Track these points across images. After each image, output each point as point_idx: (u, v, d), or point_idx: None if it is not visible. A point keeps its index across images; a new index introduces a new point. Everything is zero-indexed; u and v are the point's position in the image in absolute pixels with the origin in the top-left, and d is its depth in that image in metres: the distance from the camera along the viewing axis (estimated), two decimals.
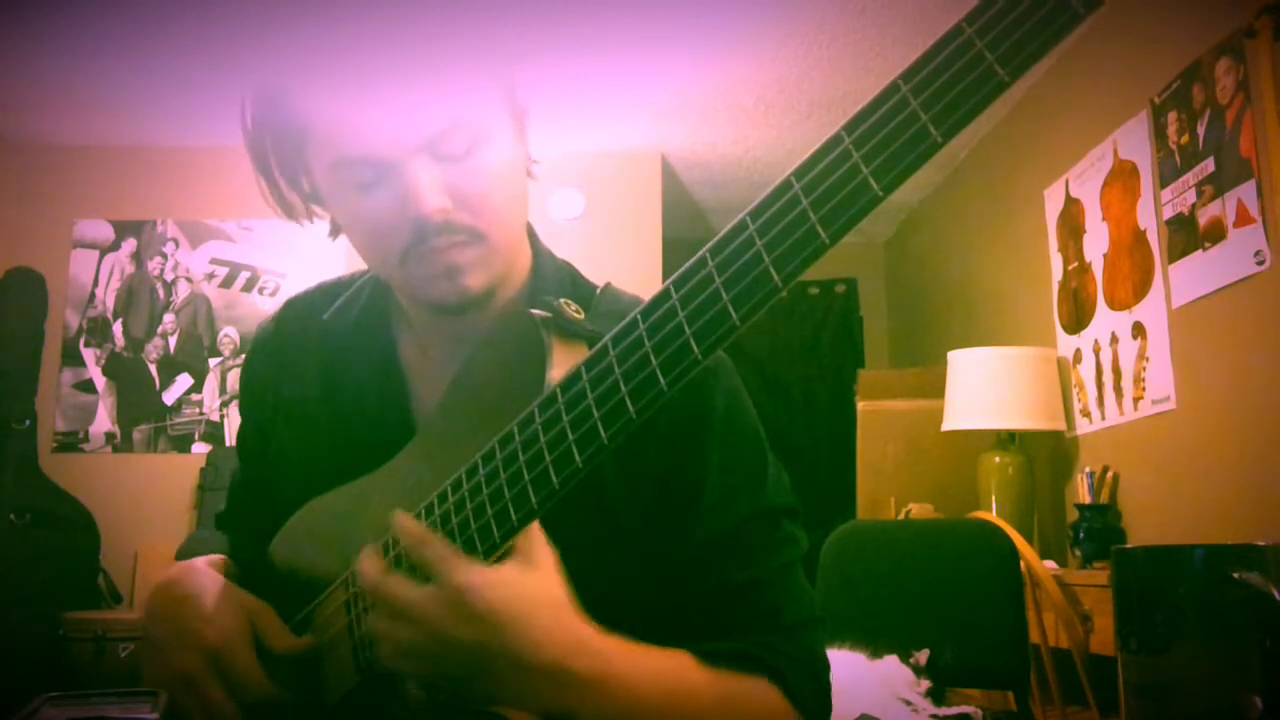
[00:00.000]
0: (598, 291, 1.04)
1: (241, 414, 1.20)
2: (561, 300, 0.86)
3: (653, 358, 0.73)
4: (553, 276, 1.05)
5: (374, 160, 0.91)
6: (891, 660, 2.04)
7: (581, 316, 0.86)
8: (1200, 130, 2.85)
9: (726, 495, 0.96)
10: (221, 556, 1.07)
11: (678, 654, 0.87)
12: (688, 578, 0.80)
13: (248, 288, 4.76)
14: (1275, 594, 0.88)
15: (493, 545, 0.82)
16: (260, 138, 0.98)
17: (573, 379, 0.78)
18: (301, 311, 1.16)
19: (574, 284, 1.07)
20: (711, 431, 0.96)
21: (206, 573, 1.01)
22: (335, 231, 1.04)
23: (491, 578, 0.79)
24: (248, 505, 1.18)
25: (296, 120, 0.94)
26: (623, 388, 0.75)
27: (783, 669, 0.93)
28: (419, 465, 0.93)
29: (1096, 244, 3.45)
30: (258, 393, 1.16)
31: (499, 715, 0.87)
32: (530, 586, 0.79)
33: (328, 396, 1.08)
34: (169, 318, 4.74)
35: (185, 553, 1.07)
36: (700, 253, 0.73)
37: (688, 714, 0.87)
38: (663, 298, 0.74)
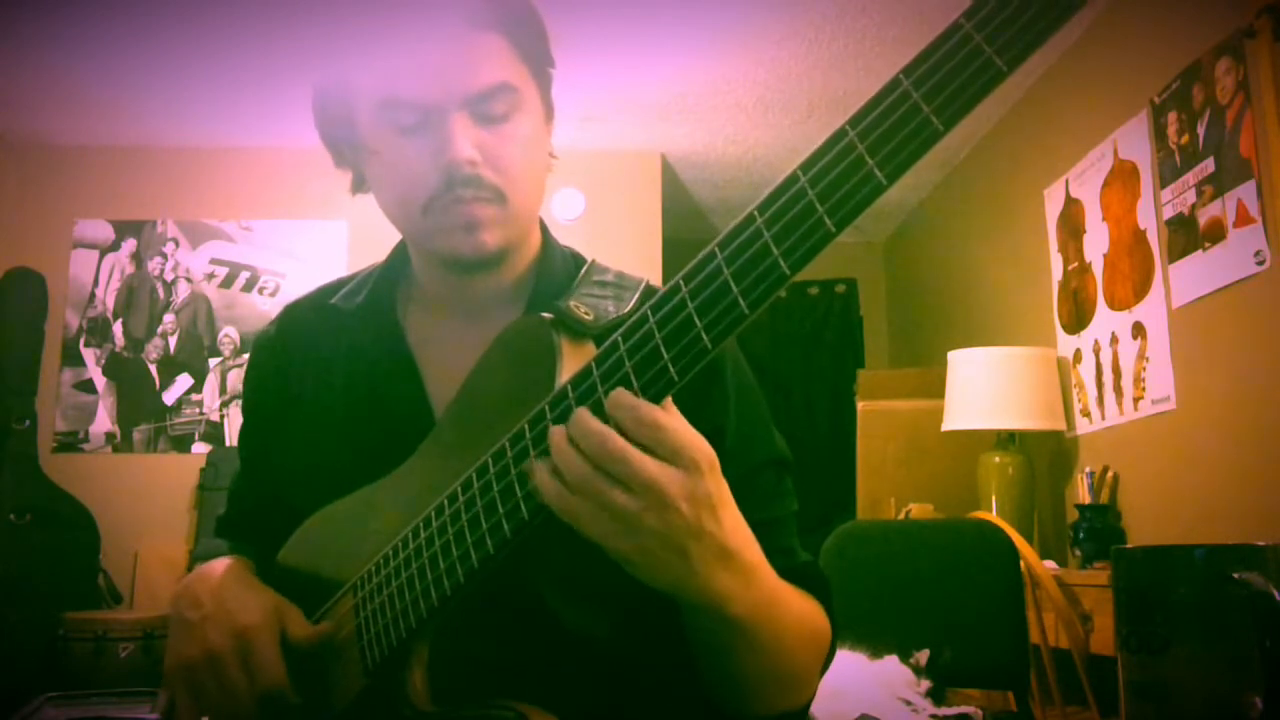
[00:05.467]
0: (585, 266, 1.07)
1: (245, 416, 1.19)
2: (570, 302, 0.87)
3: (664, 350, 0.74)
4: (558, 256, 1.09)
5: (419, 104, 0.96)
6: (891, 660, 2.04)
7: (591, 318, 0.86)
8: (1200, 130, 2.85)
9: (744, 441, 1.01)
10: (245, 559, 1.08)
11: None
12: None
13: (248, 288, 4.76)
14: (1275, 594, 0.88)
15: (503, 541, 0.82)
16: (321, 80, 1.04)
17: (584, 375, 0.79)
18: (304, 309, 1.17)
19: (575, 264, 1.10)
20: (725, 382, 1.01)
21: (237, 568, 1.03)
22: (358, 185, 1.08)
23: (715, 461, 0.79)
24: (250, 509, 1.18)
25: (350, 68, 1.00)
26: (634, 381, 0.76)
27: (828, 590, 1.01)
28: (430, 470, 0.93)
29: (1096, 244, 3.45)
30: (262, 394, 1.16)
31: (518, 711, 0.87)
32: (720, 472, 0.80)
33: (337, 382, 1.09)
34: (169, 318, 4.74)
35: (199, 560, 1.09)
36: (709, 247, 0.74)
37: (795, 613, 0.92)
38: (673, 291, 0.75)
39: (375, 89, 0.98)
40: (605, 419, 0.76)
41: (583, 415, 0.77)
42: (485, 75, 0.97)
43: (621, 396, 0.76)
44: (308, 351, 1.12)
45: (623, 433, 0.76)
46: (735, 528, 0.81)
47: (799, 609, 0.94)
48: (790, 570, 0.98)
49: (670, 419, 0.76)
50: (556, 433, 0.78)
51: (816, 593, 1.00)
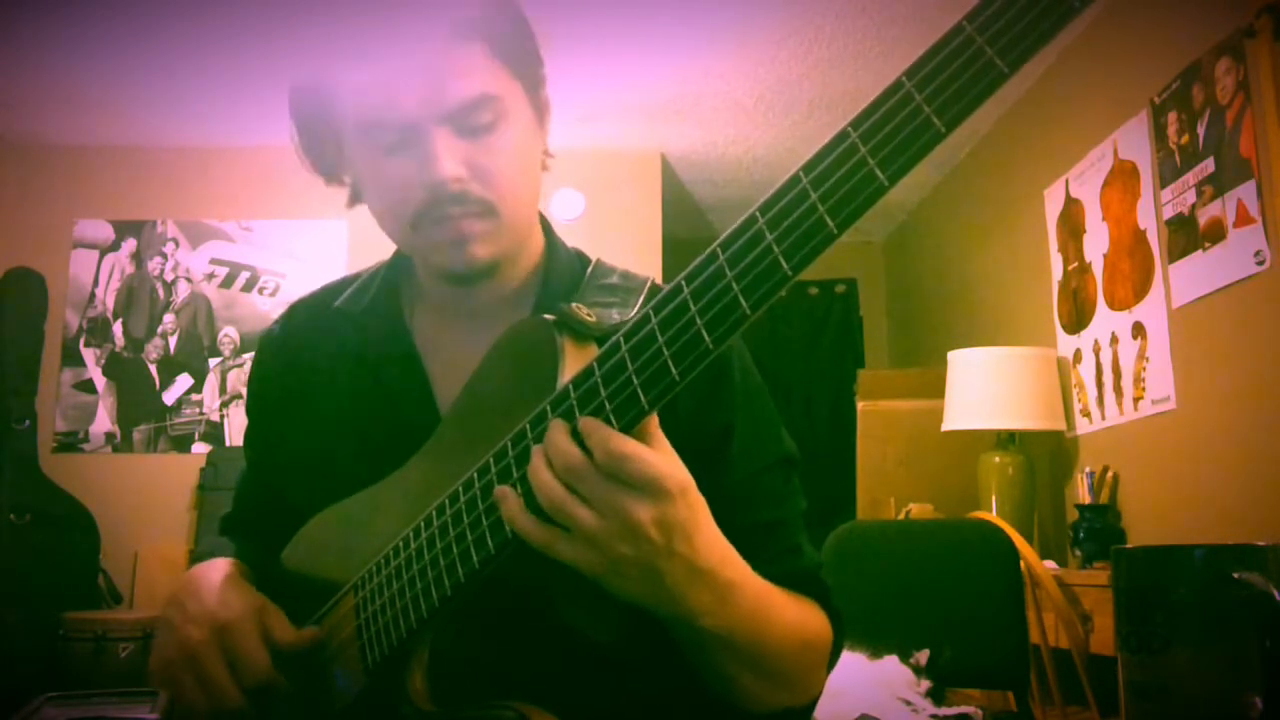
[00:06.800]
0: (590, 267, 1.07)
1: (249, 417, 1.19)
2: (574, 304, 0.87)
3: (665, 350, 0.75)
4: (563, 257, 1.09)
5: (398, 124, 0.95)
6: (891, 660, 2.04)
7: (593, 319, 0.86)
8: (1200, 130, 2.85)
9: (752, 440, 1.01)
10: (238, 561, 1.08)
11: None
12: (719, 517, 0.83)
13: (248, 288, 4.76)
14: (1275, 594, 0.88)
15: (503, 540, 0.82)
16: (299, 104, 1.04)
17: (585, 375, 0.79)
18: (310, 309, 1.16)
19: (580, 264, 1.09)
20: (733, 381, 1.01)
21: (224, 568, 1.03)
22: (353, 199, 1.07)
23: (688, 486, 0.79)
24: (255, 509, 1.18)
25: (329, 85, 0.99)
26: (635, 380, 0.76)
27: (828, 594, 1.01)
28: (432, 470, 0.93)
29: (1096, 244, 3.45)
30: (266, 394, 1.16)
31: (519, 711, 0.87)
32: (697, 493, 0.80)
33: (343, 382, 1.08)
34: (169, 318, 4.74)
35: (199, 559, 1.08)
36: (711, 248, 0.74)
37: (784, 623, 0.92)
38: (675, 292, 0.75)
39: (354, 111, 0.97)
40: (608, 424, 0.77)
41: (556, 433, 0.78)
42: (464, 88, 0.95)
43: (592, 426, 0.76)
44: (313, 351, 1.12)
45: (594, 461, 0.77)
46: (710, 547, 0.81)
47: (791, 617, 0.93)
48: (794, 574, 0.98)
49: (638, 448, 0.76)
50: (536, 453, 0.79)
51: (817, 597, 1.00)
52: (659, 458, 0.77)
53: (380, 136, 0.96)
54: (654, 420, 0.78)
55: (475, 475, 0.85)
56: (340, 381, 1.08)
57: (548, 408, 0.81)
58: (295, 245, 4.75)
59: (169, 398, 4.69)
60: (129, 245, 4.78)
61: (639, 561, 0.78)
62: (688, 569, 0.80)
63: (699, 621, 0.83)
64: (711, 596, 0.82)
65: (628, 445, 0.76)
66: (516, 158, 0.99)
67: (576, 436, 0.77)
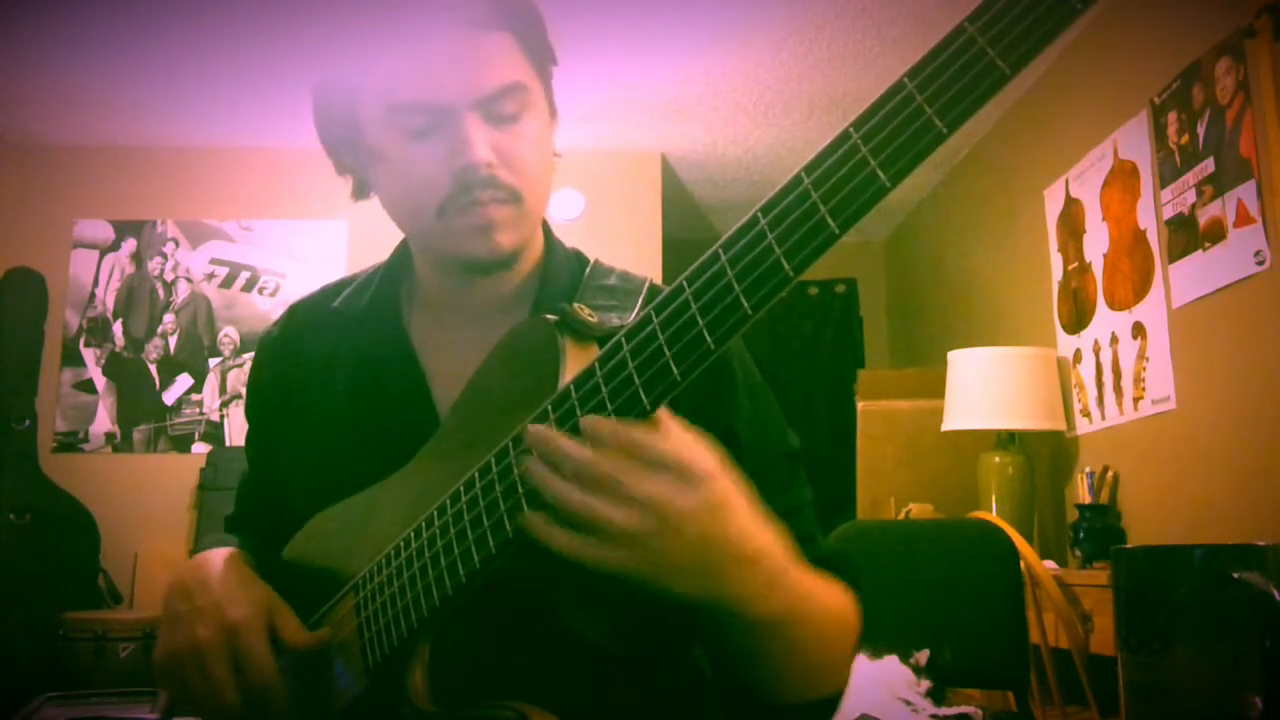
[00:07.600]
0: (588, 268, 1.07)
1: (249, 418, 1.19)
2: (575, 304, 0.87)
3: (666, 350, 0.74)
4: (562, 258, 1.09)
5: (430, 107, 0.95)
6: (891, 660, 2.04)
7: (594, 319, 0.86)
8: (1200, 130, 2.85)
9: (756, 438, 1.01)
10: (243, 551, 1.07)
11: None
12: None
13: (248, 288, 4.76)
14: (1275, 594, 0.88)
15: (505, 539, 0.82)
16: (323, 86, 1.03)
17: (586, 375, 0.79)
18: (308, 310, 1.16)
19: (579, 264, 1.09)
20: (735, 381, 1.01)
21: (233, 560, 1.02)
22: (360, 193, 1.07)
23: (720, 466, 0.77)
24: (256, 509, 1.18)
25: (354, 71, 0.99)
26: (636, 380, 0.76)
27: (859, 576, 1.01)
28: (433, 470, 0.93)
29: (1096, 244, 3.45)
30: (266, 396, 1.16)
31: (519, 711, 0.87)
32: (732, 478, 0.79)
33: (342, 384, 1.08)
34: (169, 318, 4.74)
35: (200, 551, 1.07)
36: (713, 248, 0.74)
37: (826, 607, 0.91)
38: (676, 292, 0.75)
39: (381, 93, 0.97)
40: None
41: (556, 439, 0.76)
42: (497, 75, 0.96)
43: (597, 424, 0.75)
44: (312, 353, 1.12)
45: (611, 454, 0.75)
46: (752, 531, 0.79)
47: (828, 600, 0.93)
48: (816, 560, 0.96)
49: (649, 436, 0.75)
50: (535, 464, 0.77)
51: (846, 577, 0.98)
52: (681, 438, 0.76)
53: (409, 120, 0.96)
54: (663, 411, 0.77)
55: (476, 475, 0.85)
56: (339, 383, 1.08)
57: (549, 408, 0.81)
58: (295, 245, 4.75)
59: (169, 398, 4.69)
60: (129, 245, 4.78)
61: (676, 553, 0.75)
62: (732, 554, 0.78)
63: (749, 608, 0.81)
64: (758, 583, 0.80)
65: (636, 433, 0.74)
66: (538, 148, 1.00)
67: (577, 437, 0.77)
